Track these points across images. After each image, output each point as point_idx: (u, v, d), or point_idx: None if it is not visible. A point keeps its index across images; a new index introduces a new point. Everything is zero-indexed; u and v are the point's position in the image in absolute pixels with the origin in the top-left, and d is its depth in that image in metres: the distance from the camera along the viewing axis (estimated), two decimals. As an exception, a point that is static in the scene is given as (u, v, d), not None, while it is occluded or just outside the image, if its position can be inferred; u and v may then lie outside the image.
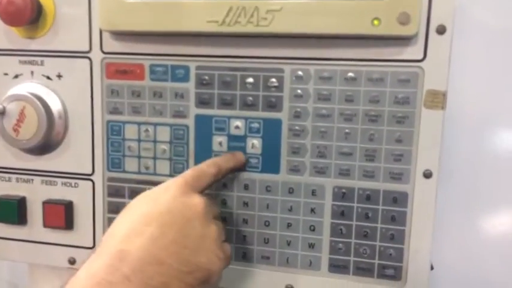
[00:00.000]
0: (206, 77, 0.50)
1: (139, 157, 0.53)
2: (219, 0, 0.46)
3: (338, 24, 0.44)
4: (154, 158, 0.53)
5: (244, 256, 0.52)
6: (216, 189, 0.51)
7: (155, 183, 0.52)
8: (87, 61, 0.52)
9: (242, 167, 0.51)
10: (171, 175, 0.52)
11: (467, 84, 0.56)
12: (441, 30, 0.44)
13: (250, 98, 0.49)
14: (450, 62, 0.44)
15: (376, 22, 0.43)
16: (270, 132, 0.50)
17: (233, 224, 0.52)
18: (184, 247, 0.39)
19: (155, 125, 0.52)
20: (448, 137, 0.54)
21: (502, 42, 0.55)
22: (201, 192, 0.44)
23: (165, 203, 0.40)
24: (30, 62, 0.54)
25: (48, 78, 0.54)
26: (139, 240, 0.37)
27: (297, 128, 0.49)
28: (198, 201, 0.42)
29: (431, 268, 0.50)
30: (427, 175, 0.46)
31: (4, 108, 0.52)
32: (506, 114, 0.57)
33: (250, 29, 0.46)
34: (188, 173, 0.44)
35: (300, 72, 0.48)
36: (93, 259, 0.37)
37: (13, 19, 0.51)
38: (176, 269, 0.38)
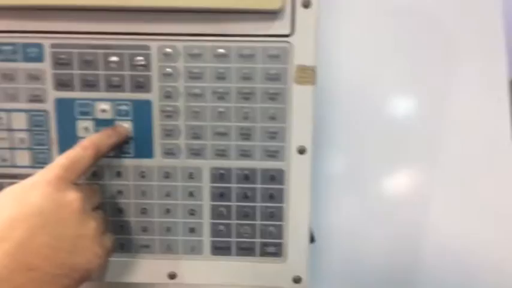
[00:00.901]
0: (63, 56, 0.45)
1: (-7, 148, 0.47)
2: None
3: (203, -3, 0.41)
4: (12, 149, 0.47)
5: (122, 247, 0.49)
6: (85, 178, 0.47)
7: (15, 177, 0.47)
8: None
9: (127, 141, 0.46)
10: (32, 166, 0.47)
11: (343, 58, 0.57)
12: (306, 4, 0.43)
13: (116, 78, 0.45)
14: (317, 36, 0.44)
15: (240, -5, 0.41)
16: (140, 114, 0.46)
17: (108, 214, 0.48)
18: (59, 250, 0.36)
19: (8, 111, 0.46)
20: (327, 110, 0.55)
21: (375, 15, 0.56)
22: (78, 178, 0.40)
23: (33, 203, 0.36)
24: None
25: None
26: (4, 246, 0.33)
27: (168, 109, 0.46)
28: (73, 197, 0.38)
29: (313, 241, 0.51)
30: (301, 151, 0.46)
31: None
32: (380, 85, 0.59)
33: (111, 2, 0.42)
34: (59, 164, 0.39)
35: (167, 49, 0.45)
36: None
37: None
38: (49, 273, 0.35)
